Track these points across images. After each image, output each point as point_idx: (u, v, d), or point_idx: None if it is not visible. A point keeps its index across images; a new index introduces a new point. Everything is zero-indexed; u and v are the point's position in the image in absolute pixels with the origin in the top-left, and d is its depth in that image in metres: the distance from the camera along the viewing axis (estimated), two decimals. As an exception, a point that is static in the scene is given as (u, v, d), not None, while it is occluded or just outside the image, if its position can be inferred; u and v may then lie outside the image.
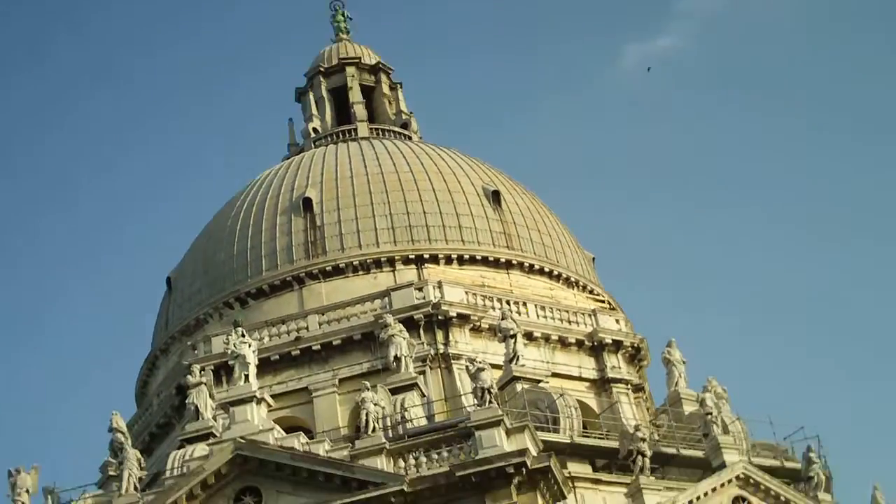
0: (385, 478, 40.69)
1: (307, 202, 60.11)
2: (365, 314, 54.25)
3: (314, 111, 70.69)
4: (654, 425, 51.84)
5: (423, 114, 73.33)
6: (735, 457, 45.63)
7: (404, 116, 71.28)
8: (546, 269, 60.34)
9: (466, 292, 55.54)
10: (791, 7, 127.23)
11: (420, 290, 54.89)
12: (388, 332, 50.30)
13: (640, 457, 44.66)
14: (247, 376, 44.62)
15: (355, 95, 70.61)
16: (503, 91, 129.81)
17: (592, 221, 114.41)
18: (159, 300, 65.79)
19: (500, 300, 56.06)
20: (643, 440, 45.03)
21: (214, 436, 44.89)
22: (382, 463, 41.32)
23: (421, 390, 49.16)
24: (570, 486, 43.76)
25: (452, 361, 52.83)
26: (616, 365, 56.31)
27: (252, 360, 45.07)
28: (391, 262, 57.88)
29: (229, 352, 45.99)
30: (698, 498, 43.71)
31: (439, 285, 54.95)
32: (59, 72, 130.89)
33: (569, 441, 46.74)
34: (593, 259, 65.82)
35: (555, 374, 53.38)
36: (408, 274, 57.21)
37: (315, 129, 69.57)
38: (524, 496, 40.31)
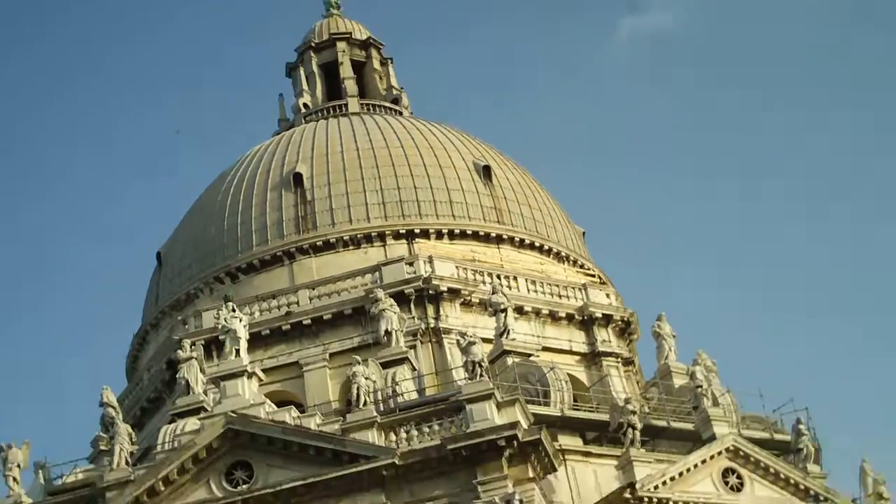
0: (376, 451, 40.72)
1: (298, 177, 60.09)
2: (355, 289, 54.26)
3: (305, 86, 70.56)
4: (644, 398, 52.00)
5: (414, 89, 73.29)
6: (725, 429, 45.75)
7: (395, 92, 71.19)
8: (536, 244, 60.44)
9: (457, 267, 55.56)
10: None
11: (410, 264, 54.90)
12: (378, 306, 50.25)
13: (630, 429, 44.71)
14: (237, 351, 44.56)
15: (346, 71, 70.52)
16: (493, 66, 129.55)
17: (583, 196, 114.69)
18: (149, 275, 65.85)
19: (490, 275, 56.07)
20: (633, 413, 45.06)
21: (205, 410, 44.84)
22: (374, 436, 41.31)
23: (412, 364, 49.16)
24: (561, 458, 43.81)
25: (443, 336, 52.89)
26: (606, 339, 56.43)
27: (243, 334, 45.01)
28: (381, 236, 57.92)
29: (220, 326, 45.94)
30: (688, 470, 43.81)
31: (430, 260, 54.97)
32: (51, 47, 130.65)
33: (559, 414, 46.89)
34: (583, 234, 65.89)
35: (545, 349, 53.49)
36: (398, 249, 57.25)
37: (305, 105, 69.45)
38: (515, 469, 40.34)
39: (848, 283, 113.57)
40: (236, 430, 41.67)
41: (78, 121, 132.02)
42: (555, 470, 42.66)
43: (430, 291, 53.74)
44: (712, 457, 44.55)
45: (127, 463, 42.78)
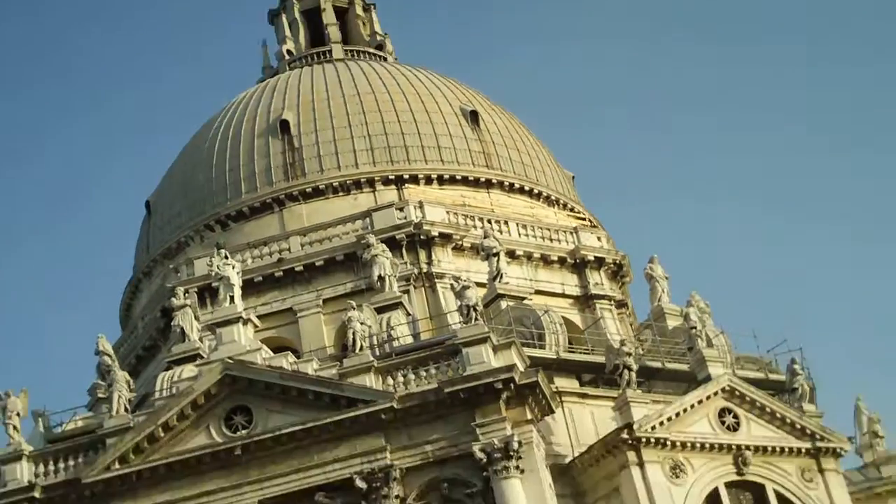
0: (374, 395, 40.79)
1: (284, 124, 59.75)
2: (347, 235, 54.07)
3: (287, 33, 70.24)
4: (638, 340, 51.99)
5: (398, 35, 72.94)
6: (720, 369, 45.83)
7: (378, 38, 70.87)
8: (526, 188, 60.29)
9: (447, 212, 55.38)
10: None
11: (401, 210, 54.71)
12: (371, 252, 50.21)
13: (626, 371, 44.73)
14: (232, 298, 44.54)
15: (329, 17, 70.15)
16: (476, 11, 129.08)
17: (571, 140, 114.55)
18: (139, 224, 65.54)
19: (481, 219, 55.94)
20: (629, 354, 45.12)
21: (201, 357, 44.88)
22: (371, 381, 41.35)
23: (406, 309, 49.14)
24: (558, 400, 44.06)
25: (436, 280, 52.77)
26: (599, 281, 56.40)
27: (237, 281, 44.99)
28: (371, 182, 57.63)
29: (213, 273, 45.96)
30: (685, 410, 43.88)
31: (420, 205, 54.81)
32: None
33: (555, 357, 46.85)
34: (573, 178, 65.76)
35: (538, 292, 53.38)
36: (388, 194, 56.98)
37: (289, 52, 69.06)
38: (513, 411, 40.50)
39: (842, 222, 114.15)
40: (234, 376, 41.72)
41: (65, 73, 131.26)
42: (552, 412, 42.85)
43: (422, 237, 53.57)
44: (708, 397, 44.62)
45: (126, 410, 42.83)
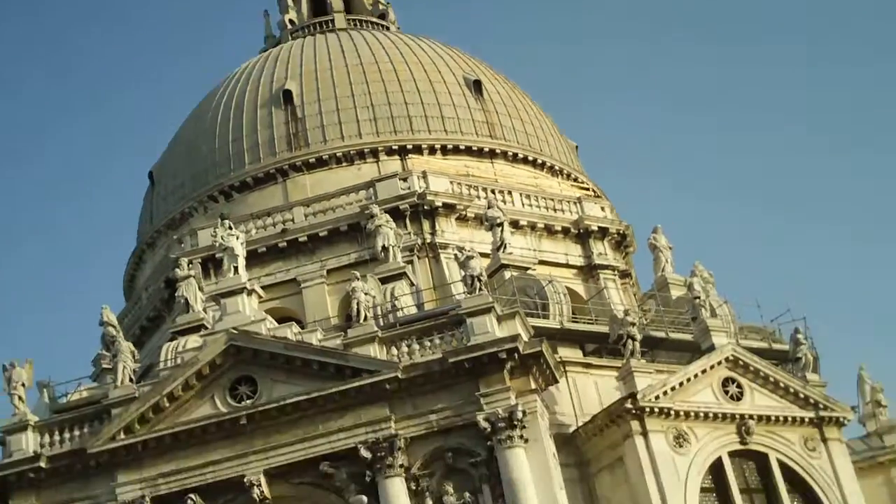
0: (379, 365, 40.80)
1: (287, 94, 59.65)
2: (350, 205, 53.98)
3: (290, 2, 70.11)
4: (642, 310, 51.99)
5: (400, 4, 72.87)
6: (724, 339, 45.80)
7: (381, 7, 70.68)
8: (530, 158, 60.24)
9: (451, 182, 55.31)
10: None
11: (405, 180, 54.59)
12: (374, 222, 50.05)
13: (629, 341, 44.67)
14: (236, 268, 44.46)
15: (331, -15, 69.82)
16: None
17: (574, 111, 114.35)
18: (142, 194, 65.47)
19: (484, 189, 55.76)
20: (633, 324, 45.03)
21: (206, 328, 45.00)
22: (375, 351, 41.37)
23: (410, 280, 49.09)
24: (562, 370, 44.02)
25: (440, 251, 52.73)
26: (602, 251, 56.39)
27: (241, 251, 44.91)
28: (374, 153, 57.55)
29: (217, 244, 45.83)
30: (689, 380, 43.84)
31: (424, 175, 54.72)
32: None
33: (559, 327, 46.84)
34: (576, 147, 65.66)
35: (542, 262, 53.46)
36: (391, 165, 56.94)
37: (291, 21, 68.91)
38: (517, 381, 40.54)
39: (845, 192, 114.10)
40: (239, 347, 41.73)
41: (68, 41, 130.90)
42: (556, 382, 42.91)
43: (426, 207, 53.45)
44: (712, 367, 44.59)
45: (131, 380, 42.86)
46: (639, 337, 45.14)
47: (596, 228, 56.63)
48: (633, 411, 42.54)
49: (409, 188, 54.11)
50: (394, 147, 57.67)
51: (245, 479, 40.20)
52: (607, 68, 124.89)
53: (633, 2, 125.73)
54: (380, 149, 57.56)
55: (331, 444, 40.36)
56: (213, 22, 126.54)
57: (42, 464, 41.68)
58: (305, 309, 52.02)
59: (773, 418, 44.41)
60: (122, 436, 41.33)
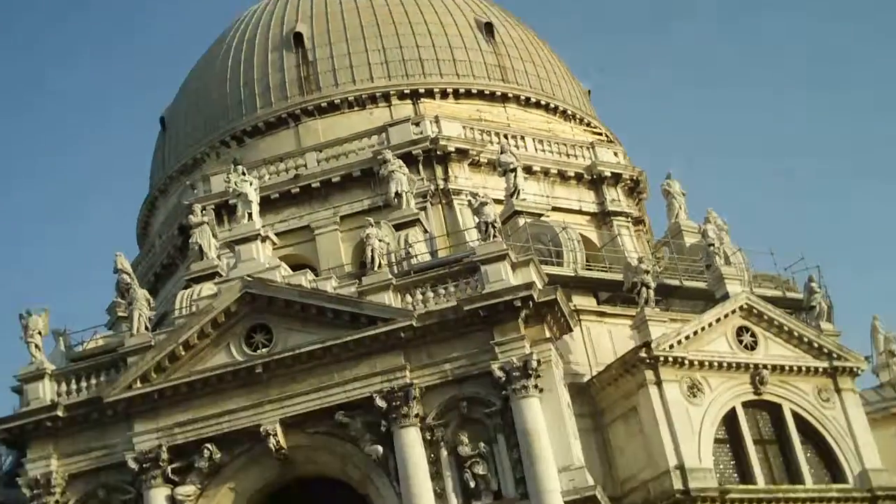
0: (394, 313, 40.66)
1: (298, 37, 59.18)
2: (363, 150, 53.58)
3: (299, -57, 69.05)
4: (656, 258, 51.73)
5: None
6: (738, 287, 45.66)
7: (391, -53, 69.66)
8: (542, 102, 59.77)
9: (464, 126, 54.86)
10: None
11: (417, 125, 54.15)
12: (387, 168, 49.71)
13: (644, 289, 44.54)
14: (250, 214, 44.29)
15: (337, -74, 68.94)
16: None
17: (587, 54, 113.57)
18: (154, 140, 65.16)
19: (497, 134, 55.27)
20: (647, 272, 44.85)
21: (220, 275, 44.76)
22: (390, 298, 41.17)
23: (423, 226, 48.89)
24: (576, 318, 43.78)
25: (453, 197, 52.37)
26: (616, 198, 56.08)
27: (254, 198, 44.70)
28: (386, 97, 57.14)
29: (231, 190, 45.57)
30: (703, 329, 43.74)
31: (436, 120, 54.30)
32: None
33: (573, 274, 46.70)
34: (589, 92, 65.22)
35: (555, 209, 53.18)
36: (403, 109, 56.51)
37: (300, -38, 68.00)
38: (531, 329, 40.33)
39: (859, 140, 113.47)
40: (253, 294, 41.56)
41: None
42: (570, 330, 42.75)
43: (438, 152, 53.05)
44: (726, 315, 44.46)
45: (146, 328, 42.79)
46: (653, 285, 44.97)
47: (609, 174, 56.29)
48: (648, 360, 42.43)
49: (421, 133, 53.68)
50: (406, 91, 57.22)
51: (261, 429, 40.21)
52: (621, 11, 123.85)
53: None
54: (392, 93, 57.14)
55: (346, 394, 40.32)
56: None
57: (59, 413, 41.66)
58: (319, 256, 51.77)
59: (786, 368, 44.36)
60: (139, 384, 41.32)
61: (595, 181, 56.07)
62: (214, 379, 41.00)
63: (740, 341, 44.43)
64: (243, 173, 45.68)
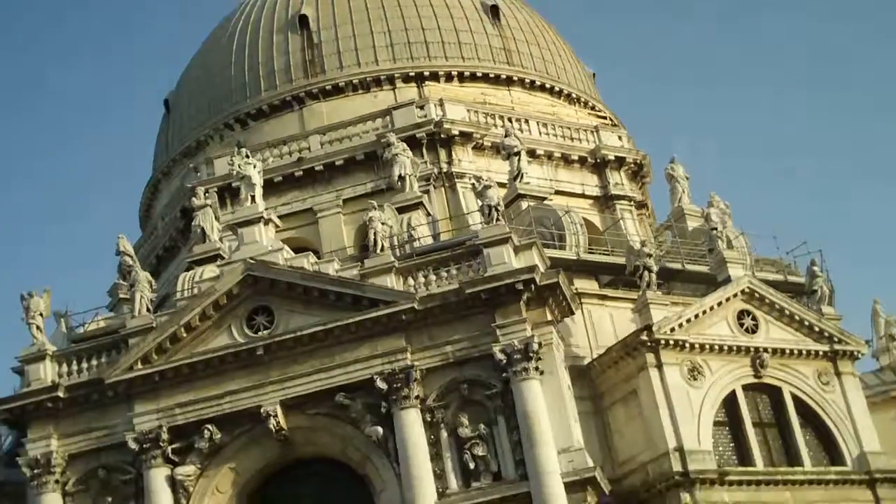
0: (396, 296, 40.75)
1: (303, 20, 59.18)
2: (367, 133, 53.64)
3: (305, -75, 68.96)
4: (658, 241, 51.73)
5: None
6: (740, 271, 45.65)
7: (397, -70, 69.51)
8: (547, 86, 59.74)
9: (468, 110, 54.86)
10: None
11: (421, 108, 54.18)
12: (391, 151, 49.83)
13: (646, 272, 44.55)
14: (253, 197, 44.35)
15: None
16: None
17: (592, 37, 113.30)
18: (158, 123, 65.25)
19: (501, 117, 55.41)
20: (649, 256, 44.84)
21: (222, 257, 44.93)
22: (392, 281, 41.28)
23: (426, 209, 48.99)
24: (578, 302, 43.86)
25: (456, 180, 52.46)
26: (619, 182, 56.11)
27: (258, 180, 44.77)
28: (391, 80, 57.15)
29: (234, 173, 45.74)
30: (704, 312, 43.72)
31: (441, 103, 54.29)
32: None
33: (575, 257, 46.66)
34: (593, 75, 65.14)
35: (558, 192, 53.16)
36: (408, 92, 56.53)
37: (306, -57, 67.92)
38: (533, 312, 40.41)
39: (862, 126, 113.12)
40: (256, 277, 41.68)
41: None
42: (572, 313, 42.83)
43: (442, 135, 53.09)
44: (728, 299, 44.45)
45: (148, 310, 42.90)
46: (655, 268, 44.94)
47: (613, 158, 56.29)
48: (649, 343, 42.42)
49: (425, 116, 53.70)
50: (410, 74, 57.25)
51: (262, 410, 40.32)
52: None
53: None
54: (396, 75, 57.16)
55: (347, 375, 40.41)
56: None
57: (60, 393, 41.80)
58: (321, 239, 51.92)
59: (787, 351, 44.34)
60: (140, 366, 41.46)
61: (598, 165, 56.10)
62: (216, 360, 41.12)
63: (741, 325, 44.38)
64: (247, 156, 45.74)
